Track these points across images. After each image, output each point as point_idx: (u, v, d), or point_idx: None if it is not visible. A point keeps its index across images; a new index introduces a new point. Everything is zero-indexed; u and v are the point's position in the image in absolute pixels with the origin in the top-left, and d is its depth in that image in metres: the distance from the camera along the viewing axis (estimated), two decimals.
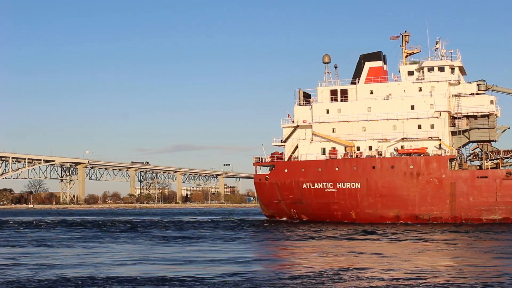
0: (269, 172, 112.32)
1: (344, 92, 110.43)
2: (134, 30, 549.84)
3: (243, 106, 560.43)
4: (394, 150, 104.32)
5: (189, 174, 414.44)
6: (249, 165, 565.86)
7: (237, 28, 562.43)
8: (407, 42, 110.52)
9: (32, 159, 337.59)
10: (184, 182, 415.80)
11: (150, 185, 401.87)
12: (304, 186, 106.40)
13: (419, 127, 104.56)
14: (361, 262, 47.03)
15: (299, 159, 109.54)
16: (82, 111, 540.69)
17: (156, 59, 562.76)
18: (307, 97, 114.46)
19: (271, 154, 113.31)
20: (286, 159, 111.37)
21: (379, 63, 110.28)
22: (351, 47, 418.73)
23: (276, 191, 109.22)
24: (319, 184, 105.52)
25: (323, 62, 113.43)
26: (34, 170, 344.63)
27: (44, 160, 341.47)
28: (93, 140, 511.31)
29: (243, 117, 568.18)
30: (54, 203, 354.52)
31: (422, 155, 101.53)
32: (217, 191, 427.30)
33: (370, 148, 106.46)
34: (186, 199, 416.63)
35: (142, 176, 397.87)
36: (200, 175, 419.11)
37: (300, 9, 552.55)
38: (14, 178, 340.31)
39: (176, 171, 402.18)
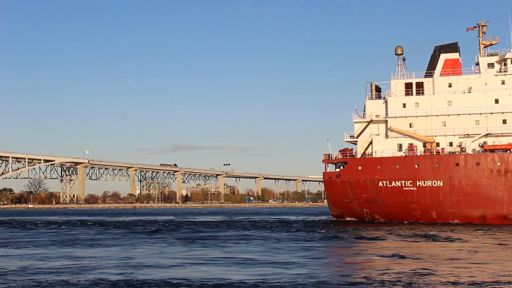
0: (339, 169, 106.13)
1: (420, 85, 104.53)
2: (134, 28, 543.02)
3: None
4: (479, 146, 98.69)
5: (189, 174, 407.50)
6: (249, 165, 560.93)
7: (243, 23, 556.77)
8: (484, 33, 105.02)
9: (32, 159, 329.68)
10: (184, 182, 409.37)
11: (150, 185, 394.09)
12: (380, 184, 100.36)
13: (504, 121, 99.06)
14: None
15: (373, 156, 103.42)
16: (82, 111, 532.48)
17: (156, 58, 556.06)
18: (377, 90, 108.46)
19: (341, 150, 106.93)
20: (359, 155, 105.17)
21: (455, 55, 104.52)
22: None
23: (348, 190, 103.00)
24: (396, 182, 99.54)
25: (396, 54, 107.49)
26: (34, 170, 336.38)
27: (44, 160, 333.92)
28: (93, 140, 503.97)
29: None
30: (54, 203, 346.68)
31: (509, 151, 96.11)
32: (217, 191, 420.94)
33: (451, 144, 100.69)
34: (186, 199, 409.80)
35: (142, 176, 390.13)
36: (200, 175, 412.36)
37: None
38: (14, 178, 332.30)
39: (176, 171, 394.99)
